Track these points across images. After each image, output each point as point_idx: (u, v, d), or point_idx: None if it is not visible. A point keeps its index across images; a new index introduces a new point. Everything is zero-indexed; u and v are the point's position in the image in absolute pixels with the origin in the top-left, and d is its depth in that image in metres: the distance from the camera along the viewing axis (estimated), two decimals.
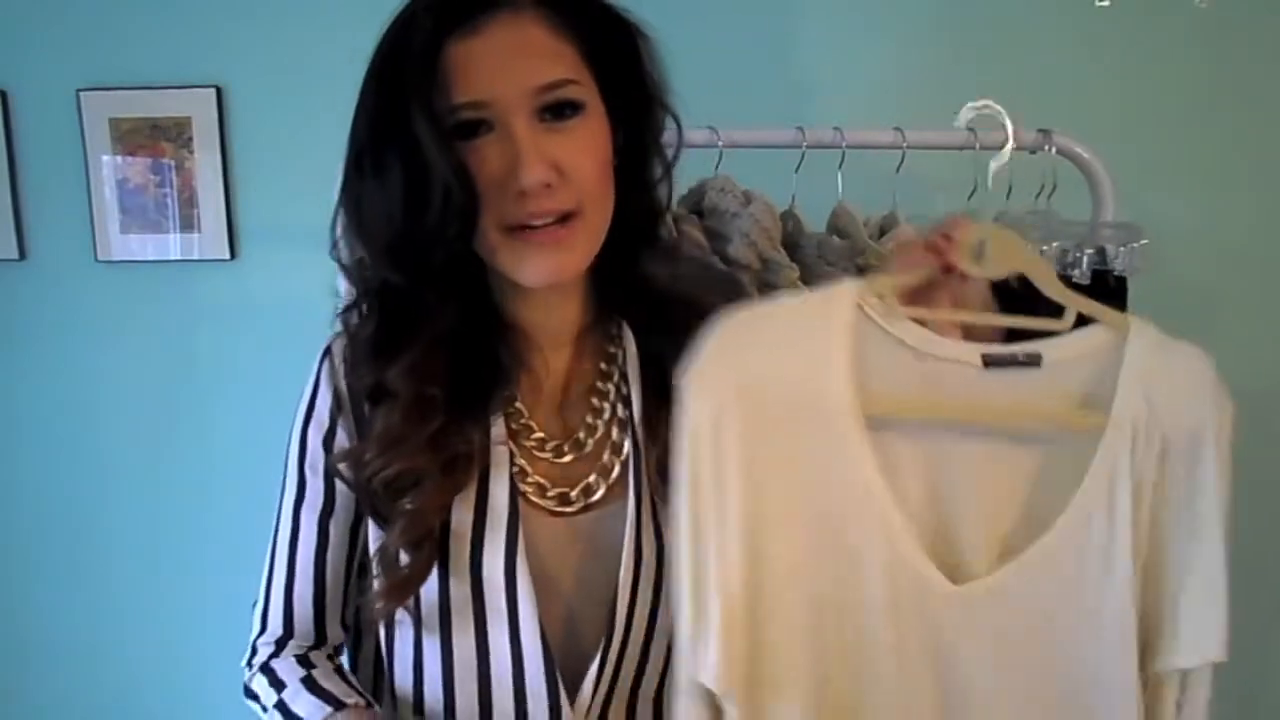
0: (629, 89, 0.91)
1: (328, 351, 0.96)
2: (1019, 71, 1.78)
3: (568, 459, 0.95)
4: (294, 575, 0.96)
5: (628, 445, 0.95)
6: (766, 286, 1.29)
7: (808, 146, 1.34)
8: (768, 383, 0.78)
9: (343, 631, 0.99)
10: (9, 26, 1.95)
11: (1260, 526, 1.44)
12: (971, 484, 0.81)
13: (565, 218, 0.86)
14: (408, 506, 0.88)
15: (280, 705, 0.92)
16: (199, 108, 1.93)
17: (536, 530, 0.91)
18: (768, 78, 1.84)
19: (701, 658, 0.77)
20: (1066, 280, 1.17)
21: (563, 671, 0.90)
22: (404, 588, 0.89)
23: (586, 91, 0.87)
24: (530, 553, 0.89)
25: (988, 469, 0.81)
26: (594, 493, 0.94)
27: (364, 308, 0.93)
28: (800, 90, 1.84)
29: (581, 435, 0.96)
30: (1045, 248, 1.36)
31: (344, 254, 0.92)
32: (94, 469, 2.08)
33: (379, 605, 0.90)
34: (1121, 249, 1.38)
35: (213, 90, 1.92)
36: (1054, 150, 1.41)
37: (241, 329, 2.00)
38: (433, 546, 0.89)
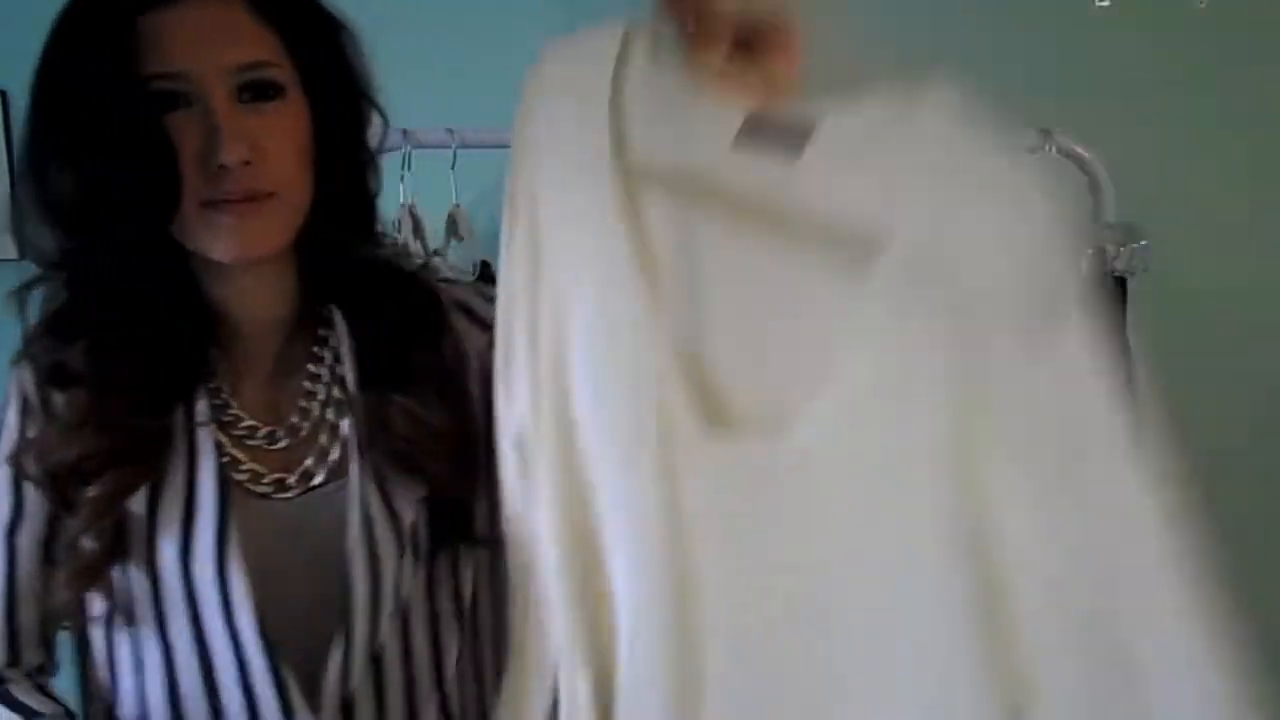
0: (330, 80, 0.91)
1: (18, 363, 0.93)
2: (1019, 71, 1.78)
3: (282, 444, 0.93)
4: None
5: (346, 426, 0.92)
6: None
7: None
8: (548, 128, 0.68)
9: (46, 653, 0.95)
10: (9, 26, 1.94)
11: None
12: (735, 293, 0.63)
13: (260, 197, 0.85)
14: (91, 493, 0.86)
15: None
16: None
17: (253, 518, 0.88)
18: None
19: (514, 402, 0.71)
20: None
21: (300, 669, 0.86)
22: (85, 575, 0.87)
23: (286, 76, 0.87)
24: (249, 542, 0.87)
25: (751, 272, 0.62)
26: (313, 477, 0.92)
27: (46, 285, 0.91)
28: None
29: (295, 420, 0.93)
30: None
31: (29, 230, 0.89)
32: None
33: (60, 594, 0.88)
34: (1121, 249, 1.38)
35: None
36: (1054, 150, 1.41)
37: None
38: (117, 532, 0.87)
